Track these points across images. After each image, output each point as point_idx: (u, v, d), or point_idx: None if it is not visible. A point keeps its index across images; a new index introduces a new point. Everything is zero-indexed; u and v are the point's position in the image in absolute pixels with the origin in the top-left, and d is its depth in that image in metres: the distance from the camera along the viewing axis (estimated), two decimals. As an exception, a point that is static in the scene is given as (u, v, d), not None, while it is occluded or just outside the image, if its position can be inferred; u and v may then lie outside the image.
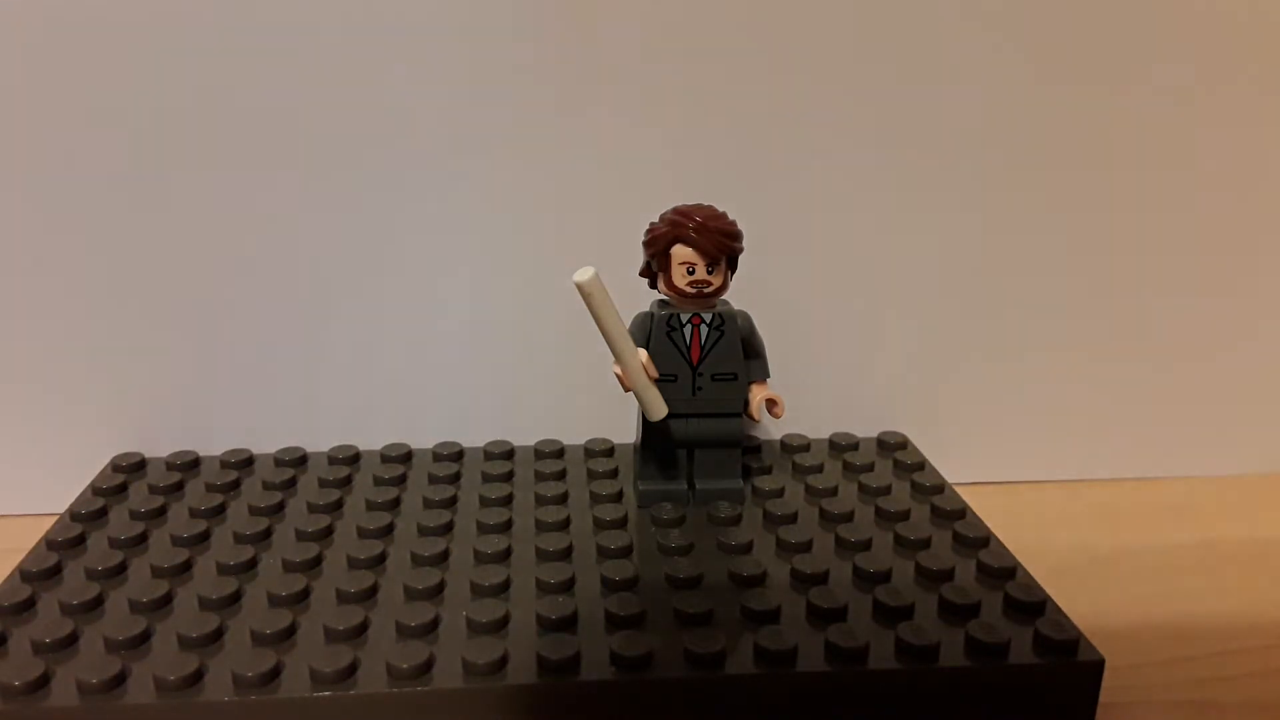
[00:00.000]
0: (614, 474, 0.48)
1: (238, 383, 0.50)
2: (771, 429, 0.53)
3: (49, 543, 0.41)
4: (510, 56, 0.47)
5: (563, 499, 0.45)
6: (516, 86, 0.47)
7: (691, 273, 0.41)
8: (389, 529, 0.43)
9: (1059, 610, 0.37)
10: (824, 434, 0.52)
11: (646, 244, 0.42)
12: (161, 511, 0.44)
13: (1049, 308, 0.52)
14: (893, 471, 0.49)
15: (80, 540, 0.42)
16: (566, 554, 0.41)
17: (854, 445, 0.51)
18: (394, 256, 0.49)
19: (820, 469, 0.49)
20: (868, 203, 0.50)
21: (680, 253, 0.41)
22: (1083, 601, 0.40)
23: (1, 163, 0.46)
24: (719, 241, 0.41)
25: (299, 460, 0.49)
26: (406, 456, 0.49)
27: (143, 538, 0.42)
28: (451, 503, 0.45)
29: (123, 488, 0.46)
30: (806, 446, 0.51)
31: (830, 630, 0.35)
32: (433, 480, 0.47)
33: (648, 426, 0.44)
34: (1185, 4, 0.49)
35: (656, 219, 0.42)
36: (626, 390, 0.42)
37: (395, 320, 0.50)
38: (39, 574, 0.39)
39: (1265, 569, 0.46)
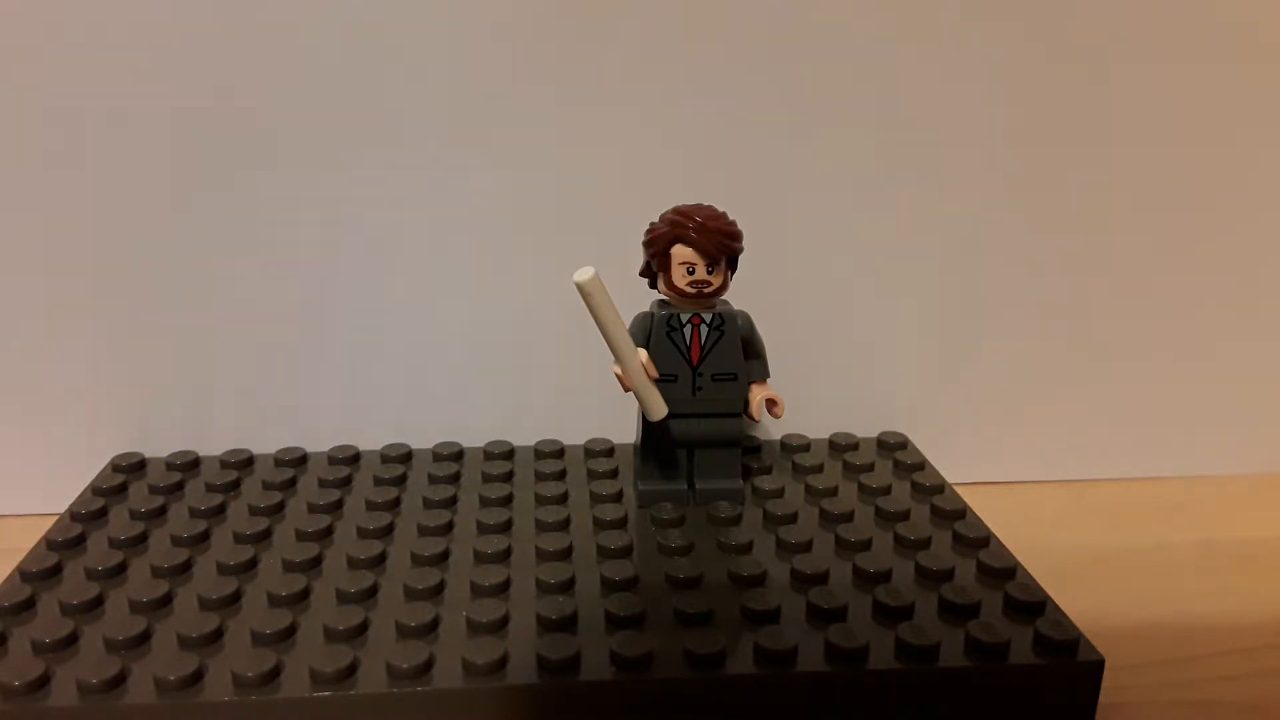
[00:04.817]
0: (614, 474, 0.48)
1: (238, 383, 0.50)
2: (771, 429, 0.52)
3: (49, 543, 0.41)
4: (511, 56, 0.47)
5: (563, 499, 0.45)
6: (517, 86, 0.47)
7: (691, 273, 0.41)
8: (389, 529, 0.43)
9: (1059, 610, 0.37)
10: (824, 434, 0.52)
11: (646, 244, 0.42)
12: (161, 511, 0.44)
13: (1050, 307, 0.52)
14: (893, 471, 0.49)
15: (80, 540, 0.42)
16: (566, 554, 0.41)
17: (854, 445, 0.51)
18: (394, 256, 0.49)
19: (820, 469, 0.49)
20: (868, 202, 0.50)
21: (680, 253, 0.41)
22: (1083, 601, 0.40)
23: (2, 163, 0.46)
24: (719, 241, 0.41)
25: (299, 460, 0.49)
26: (406, 456, 0.49)
27: (143, 538, 0.42)
28: (451, 503, 0.45)
29: (123, 488, 0.46)
30: (806, 446, 0.51)
31: (830, 630, 0.35)
32: (433, 480, 0.47)
33: (648, 426, 0.44)
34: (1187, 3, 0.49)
35: (656, 219, 0.42)
36: (626, 390, 0.42)
37: (395, 320, 0.50)
38: (39, 574, 0.39)
39: (1265, 569, 0.46)
